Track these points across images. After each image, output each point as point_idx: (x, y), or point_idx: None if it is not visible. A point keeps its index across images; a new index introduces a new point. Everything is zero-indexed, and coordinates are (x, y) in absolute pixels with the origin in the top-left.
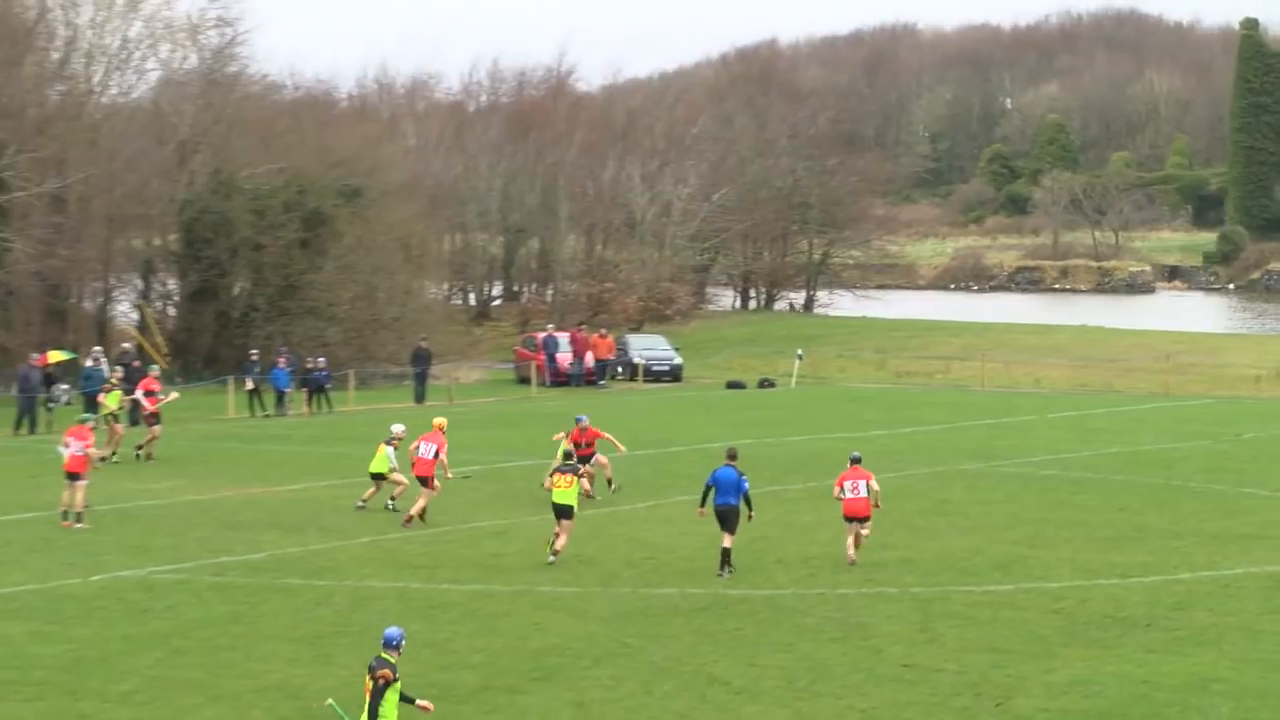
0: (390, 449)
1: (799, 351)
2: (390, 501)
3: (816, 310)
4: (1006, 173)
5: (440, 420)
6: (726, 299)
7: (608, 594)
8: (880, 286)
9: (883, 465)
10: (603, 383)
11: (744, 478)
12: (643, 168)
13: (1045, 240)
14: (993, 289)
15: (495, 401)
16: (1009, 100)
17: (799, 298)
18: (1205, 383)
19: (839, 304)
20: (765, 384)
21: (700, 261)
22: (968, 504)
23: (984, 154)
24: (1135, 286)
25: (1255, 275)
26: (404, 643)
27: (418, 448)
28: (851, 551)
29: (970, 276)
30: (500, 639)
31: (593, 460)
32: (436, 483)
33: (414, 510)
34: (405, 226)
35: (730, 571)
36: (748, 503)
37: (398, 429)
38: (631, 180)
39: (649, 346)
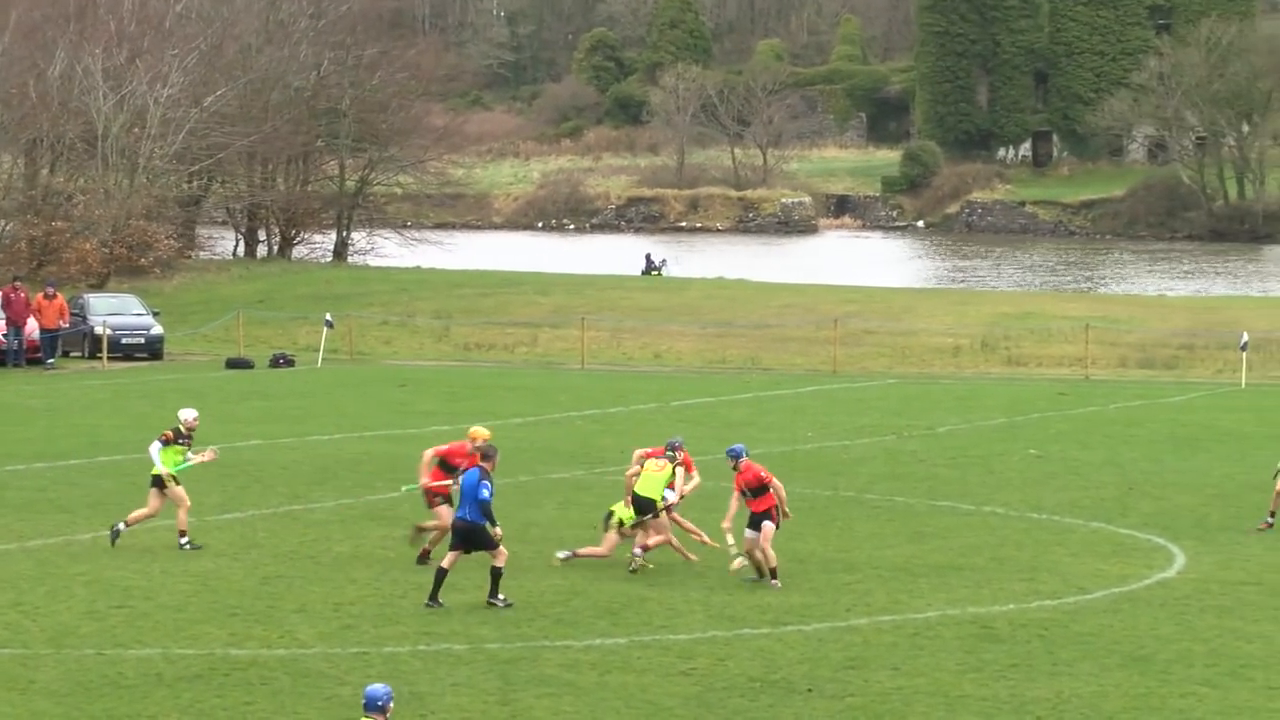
0: (157, 445)
1: (328, 317)
2: (121, 526)
3: (352, 259)
4: (613, 68)
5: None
6: (226, 243)
7: (61, 658)
8: (440, 225)
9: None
10: (51, 362)
11: (485, 483)
12: (106, 60)
13: (668, 161)
14: (596, 228)
15: None
16: None
17: (327, 241)
18: (887, 357)
19: (383, 250)
20: (281, 362)
21: (188, 192)
22: (563, 527)
23: (582, 42)
24: (791, 225)
25: (953, 209)
26: (392, 704)
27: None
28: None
29: (564, 211)
30: None
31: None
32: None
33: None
34: None
35: (506, 603)
36: (488, 517)
37: (187, 415)
38: (91, 78)
39: (116, 310)
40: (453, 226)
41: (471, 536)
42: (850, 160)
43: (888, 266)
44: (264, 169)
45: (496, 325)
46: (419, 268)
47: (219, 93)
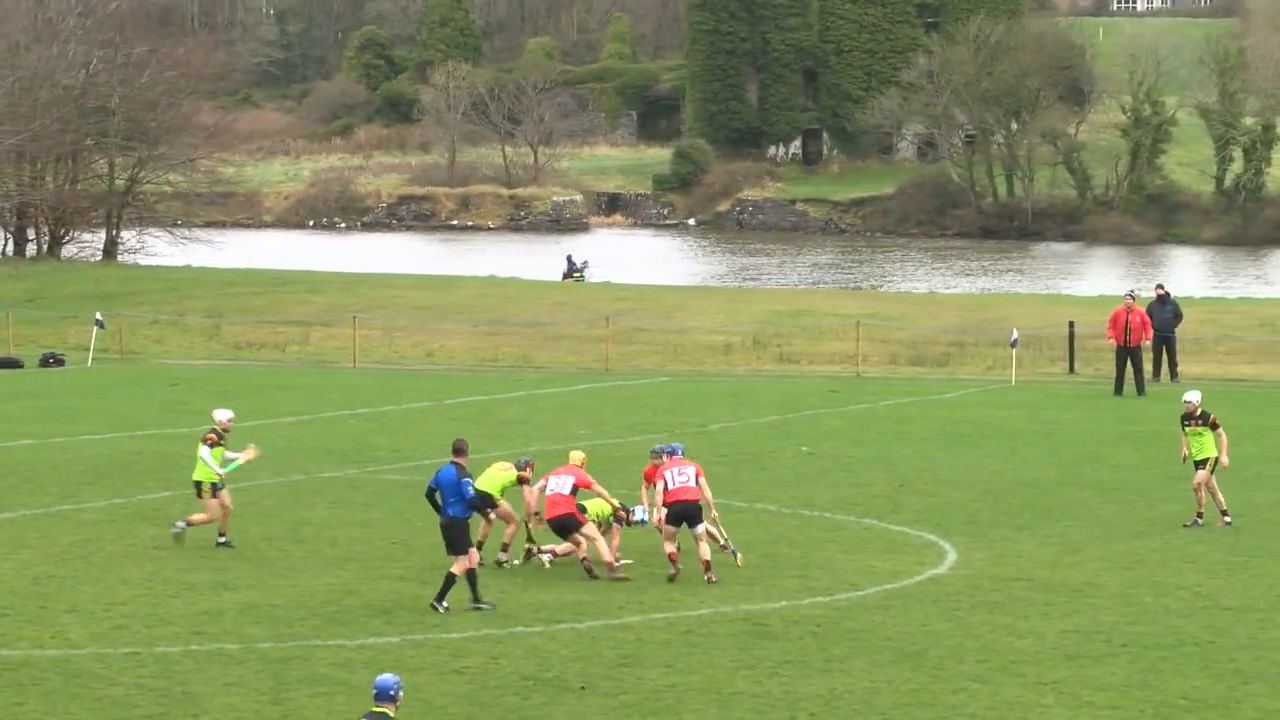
0: (206, 450)
1: (98, 316)
2: (181, 525)
3: (122, 257)
4: (383, 65)
5: (579, 454)
6: None
7: None
8: (211, 224)
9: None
10: None
11: (467, 480)
12: None
13: (439, 159)
14: (367, 226)
15: None
16: None
17: (97, 240)
18: (658, 354)
19: (153, 248)
20: (51, 361)
21: None
22: (335, 526)
23: (352, 40)
24: (562, 222)
25: (724, 207)
26: (401, 693)
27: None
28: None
29: (336, 209)
30: None
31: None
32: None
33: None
34: None
35: (481, 606)
36: (480, 510)
37: (222, 415)
38: None
39: None
40: (223, 225)
41: (454, 532)
42: (621, 158)
43: (659, 263)
44: (33, 167)
45: (268, 324)
46: (189, 266)
47: None
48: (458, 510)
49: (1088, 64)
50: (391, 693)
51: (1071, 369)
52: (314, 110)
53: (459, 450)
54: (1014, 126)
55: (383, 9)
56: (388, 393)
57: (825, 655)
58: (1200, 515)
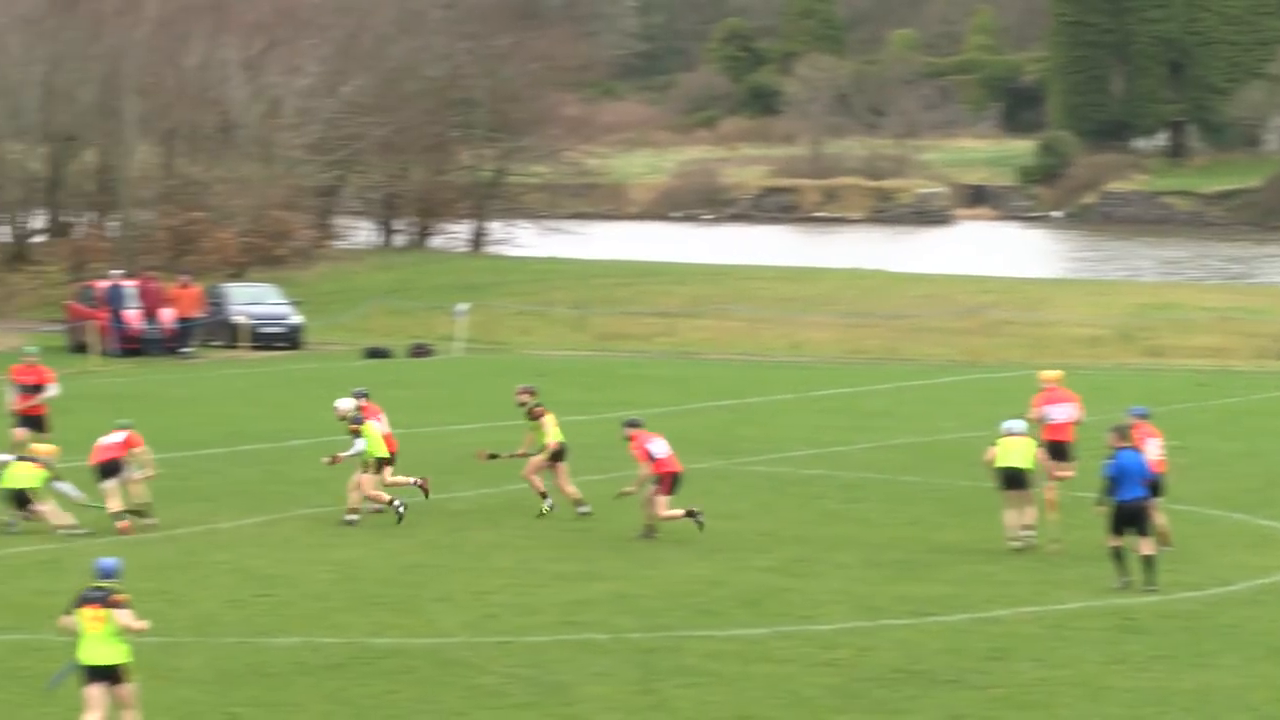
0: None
1: (461, 307)
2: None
3: (489, 248)
4: (747, 57)
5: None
6: (363, 233)
7: (206, 646)
8: (576, 215)
9: (584, 464)
10: (188, 349)
11: (1144, 462)
12: (243, 50)
13: (802, 151)
14: (732, 218)
15: None
16: None
17: (463, 231)
18: (1025, 347)
19: (520, 240)
20: (420, 351)
21: (325, 181)
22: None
23: (715, 32)
24: (927, 214)
25: (1089, 199)
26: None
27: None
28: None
29: (700, 202)
30: (54, 710)
31: None
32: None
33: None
34: None
35: (1153, 587)
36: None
37: (344, 404)
38: (227, 68)
39: (255, 300)
40: (588, 216)
41: (1141, 515)
42: (985, 150)
43: (1025, 256)
44: (400, 159)
45: (633, 315)
46: (554, 257)
47: (355, 83)
48: (1144, 491)
49: None
50: (113, 574)
51: None
52: (677, 102)
53: (1125, 435)
54: None
55: (746, 1)
56: (753, 384)
57: (1196, 650)
58: None
